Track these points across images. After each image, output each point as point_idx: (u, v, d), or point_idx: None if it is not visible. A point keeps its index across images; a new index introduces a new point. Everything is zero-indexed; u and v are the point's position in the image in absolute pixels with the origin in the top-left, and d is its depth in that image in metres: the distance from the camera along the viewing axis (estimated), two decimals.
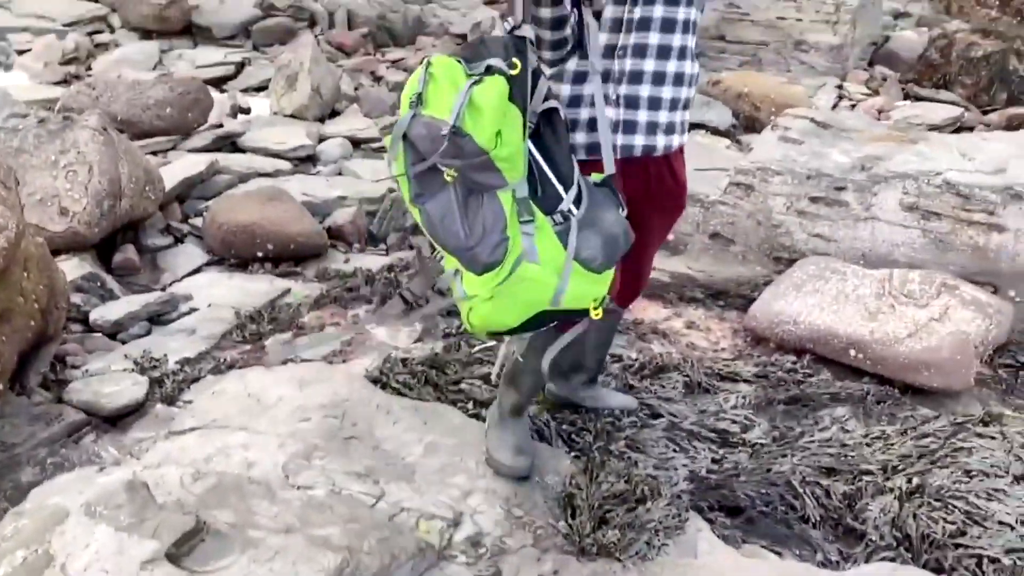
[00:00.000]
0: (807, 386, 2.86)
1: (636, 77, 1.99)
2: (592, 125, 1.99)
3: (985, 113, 6.78)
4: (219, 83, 7.03)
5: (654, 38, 1.97)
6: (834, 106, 6.91)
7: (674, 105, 2.05)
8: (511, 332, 1.94)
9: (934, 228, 3.48)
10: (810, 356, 3.05)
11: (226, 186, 4.88)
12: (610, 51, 1.98)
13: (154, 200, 4.29)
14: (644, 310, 3.42)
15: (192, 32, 8.02)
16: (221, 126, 5.85)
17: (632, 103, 2.01)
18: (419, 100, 1.78)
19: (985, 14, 9.23)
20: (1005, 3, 9.21)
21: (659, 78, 2.01)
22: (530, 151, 1.81)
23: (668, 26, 1.98)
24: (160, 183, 4.36)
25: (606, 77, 1.98)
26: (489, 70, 1.76)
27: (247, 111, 6.46)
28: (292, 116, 6.21)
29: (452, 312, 3.17)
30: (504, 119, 1.75)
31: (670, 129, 2.07)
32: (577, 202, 1.83)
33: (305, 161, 5.52)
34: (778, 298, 3.22)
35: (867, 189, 3.60)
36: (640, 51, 1.98)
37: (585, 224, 1.83)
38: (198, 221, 4.43)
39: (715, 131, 6.18)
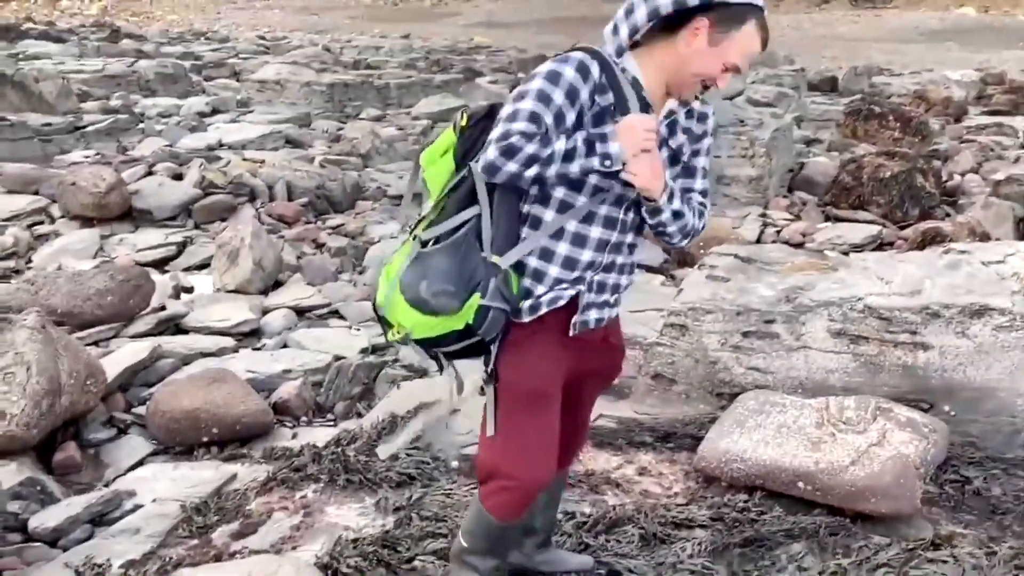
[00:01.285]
0: (761, 524, 2.86)
1: (608, 267, 2.12)
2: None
3: (902, 228, 7.15)
4: (161, 264, 7.10)
5: (630, 236, 2.14)
6: (760, 233, 7.22)
7: (626, 289, 2.22)
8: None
9: (863, 352, 3.60)
10: (761, 492, 3.07)
11: (170, 370, 4.86)
12: (603, 244, 2.09)
13: (96, 393, 4.24)
14: (595, 460, 3.43)
15: (133, 216, 8.13)
16: (164, 308, 5.87)
17: (600, 288, 2.12)
18: None
19: (889, 136, 9.90)
20: (905, 125, 9.91)
21: (624, 268, 2.17)
22: (450, 191, 2.05)
23: (639, 229, 2.17)
24: (102, 375, 4.32)
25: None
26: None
27: (190, 290, 6.51)
28: (235, 291, 6.27)
29: (400, 483, 3.14)
30: (438, 159, 2.06)
31: (616, 303, 2.21)
32: (438, 240, 2.01)
33: (250, 336, 5.55)
34: (723, 436, 3.26)
35: (795, 319, 3.74)
36: (616, 248, 2.11)
37: (420, 258, 2.00)
38: (142, 409, 4.38)
39: (648, 268, 6.39)
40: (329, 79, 15.38)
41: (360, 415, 4.24)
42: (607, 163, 1.93)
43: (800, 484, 3.00)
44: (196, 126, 12.55)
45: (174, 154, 10.05)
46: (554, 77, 1.93)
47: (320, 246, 7.38)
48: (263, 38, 28.48)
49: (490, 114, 2.04)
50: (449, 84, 16.46)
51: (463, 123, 2.04)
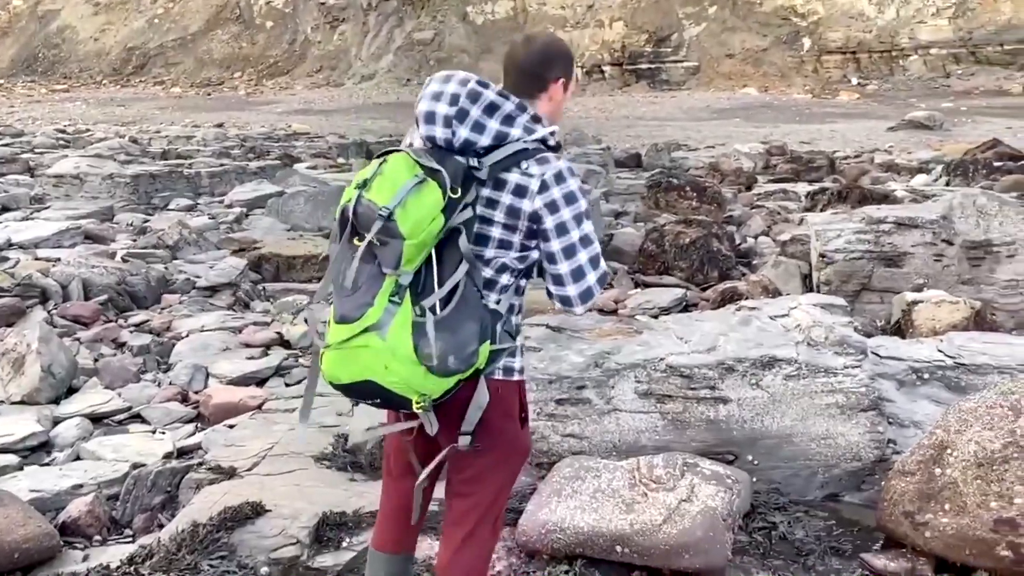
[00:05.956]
0: None
1: None
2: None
3: (703, 290, 7.57)
4: None
5: None
6: None
7: None
8: (343, 389, 2.11)
9: (670, 410, 3.72)
10: (582, 560, 3.06)
11: None
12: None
13: None
14: (416, 544, 3.29)
15: None
16: None
17: None
18: (365, 185, 2.09)
19: (687, 205, 10.58)
20: (701, 195, 10.64)
21: None
22: (431, 255, 2.10)
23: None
24: None
25: None
26: (435, 175, 2.08)
27: None
28: (21, 403, 5.68)
29: None
30: (430, 222, 2.06)
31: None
32: (445, 304, 2.07)
33: (37, 450, 5.01)
34: (542, 507, 3.24)
35: (604, 384, 3.81)
36: None
37: (442, 326, 2.04)
38: None
39: None
40: (134, 170, 14.65)
41: (162, 526, 3.89)
42: None
43: (618, 548, 3.02)
44: None
45: None
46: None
47: (120, 345, 6.87)
48: (63, 131, 26.85)
49: (467, 178, 2.13)
50: (265, 170, 16.13)
51: (455, 196, 2.10)
